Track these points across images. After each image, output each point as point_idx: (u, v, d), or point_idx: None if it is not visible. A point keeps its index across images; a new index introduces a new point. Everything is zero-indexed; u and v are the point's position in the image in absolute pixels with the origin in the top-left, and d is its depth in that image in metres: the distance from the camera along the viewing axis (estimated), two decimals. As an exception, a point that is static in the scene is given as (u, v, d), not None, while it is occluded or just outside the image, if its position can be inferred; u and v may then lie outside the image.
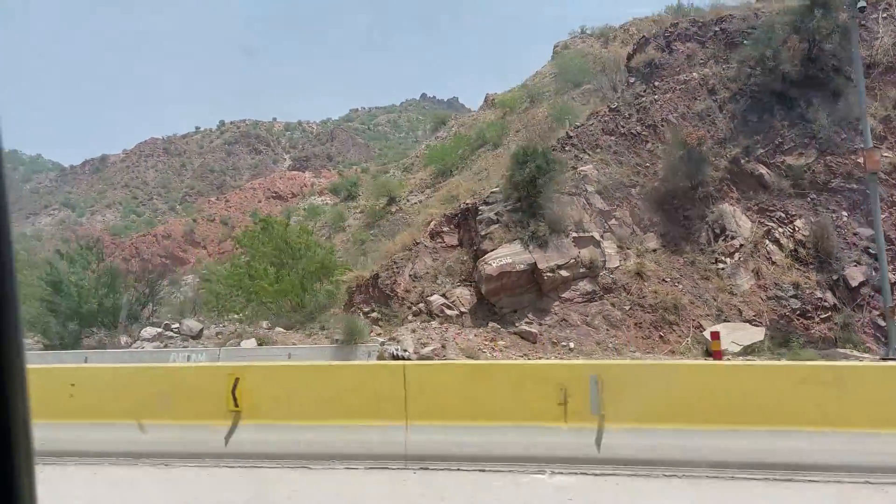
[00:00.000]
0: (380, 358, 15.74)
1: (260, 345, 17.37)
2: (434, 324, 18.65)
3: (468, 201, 22.73)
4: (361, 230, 66.99)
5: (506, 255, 19.46)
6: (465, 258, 21.79)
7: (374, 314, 20.71)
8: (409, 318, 19.75)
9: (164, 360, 16.10)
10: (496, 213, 20.89)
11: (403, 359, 15.66)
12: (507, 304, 19.57)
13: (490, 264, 19.30)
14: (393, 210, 69.01)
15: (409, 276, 21.17)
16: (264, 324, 21.91)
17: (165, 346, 17.97)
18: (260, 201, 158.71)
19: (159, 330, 19.25)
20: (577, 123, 24.98)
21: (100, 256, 21.05)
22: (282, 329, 21.71)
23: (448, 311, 19.46)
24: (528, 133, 69.37)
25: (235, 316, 24.55)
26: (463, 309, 19.68)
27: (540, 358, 17.39)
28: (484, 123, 73.86)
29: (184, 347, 17.45)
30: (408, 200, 70.79)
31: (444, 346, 16.38)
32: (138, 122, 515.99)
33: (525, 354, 17.72)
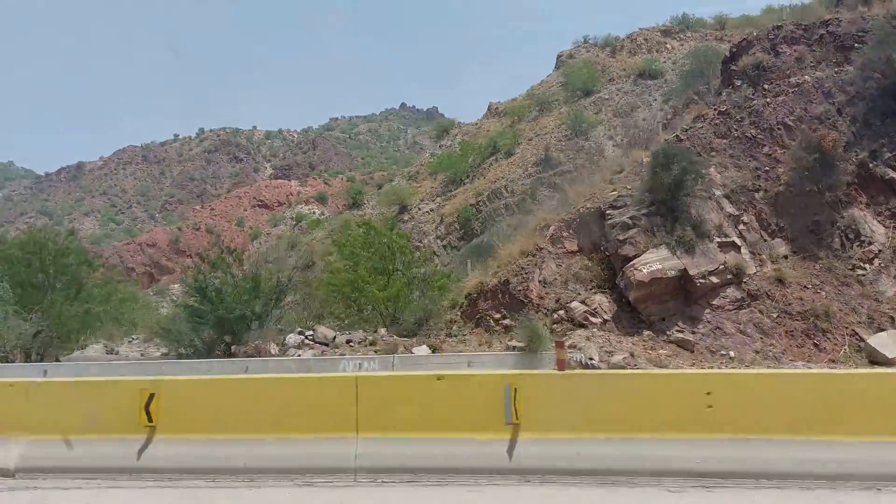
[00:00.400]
0: (568, 367, 14.77)
1: (434, 352, 16.34)
2: (595, 331, 17.75)
3: (587, 205, 21.89)
4: (374, 238, 65.64)
5: (655, 261, 18.64)
6: (589, 263, 20.96)
7: (507, 321, 19.75)
8: (551, 325, 18.83)
9: (334, 369, 15.01)
10: (631, 218, 20.07)
11: (592, 367, 14.76)
12: (655, 311, 18.74)
13: (640, 270, 18.47)
14: (405, 218, 68.22)
15: (539, 282, 20.26)
16: (382, 331, 20.83)
17: (322, 354, 16.83)
18: (245, 209, 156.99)
19: (301, 337, 18.08)
20: (685, 126, 24.29)
21: (239, 261, 19.82)
22: (396, 336, 20.67)
23: (592, 319, 18.58)
24: (542, 141, 69.10)
25: (336, 322, 23.39)
26: (605, 316, 18.81)
27: (711, 367, 16.58)
28: (493, 132, 73.33)
29: (340, 355, 16.31)
30: (419, 209, 70.06)
31: (633, 356, 15.50)
32: (114, 129, 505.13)
33: (693, 363, 16.90)
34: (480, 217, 61.39)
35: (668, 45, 77.50)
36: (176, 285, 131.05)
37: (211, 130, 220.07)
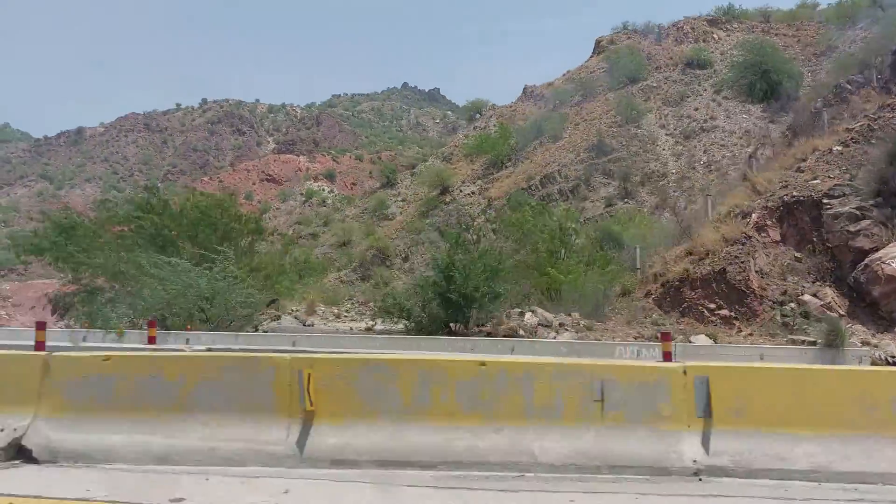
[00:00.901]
0: (873, 364, 13.61)
1: (715, 342, 15.07)
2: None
3: (794, 193, 20.62)
4: (415, 219, 64.52)
5: (902, 255, 17.47)
6: (798, 255, 19.77)
7: (724, 311, 18.52)
8: (781, 318, 17.62)
9: (608, 354, 13.71)
10: (858, 208, 18.85)
11: (903, 368, 13.55)
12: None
13: (889, 264, 17.28)
14: (447, 200, 66.79)
15: (755, 272, 19.02)
16: (575, 315, 19.52)
17: (581, 338, 15.49)
18: (254, 183, 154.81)
19: (536, 318, 16.75)
20: (871, 115, 23.06)
21: (478, 236, 18.35)
22: (584, 321, 19.38)
23: (829, 313, 17.38)
24: (591, 126, 67.69)
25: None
26: (840, 311, 17.63)
27: None
28: (537, 115, 71.65)
29: (595, 340, 14.99)
30: (460, 191, 68.55)
31: (938, 355, 14.34)
32: (115, 95, 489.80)
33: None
34: (533, 201, 60.04)
35: (714, 35, 76.41)
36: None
37: (214, 101, 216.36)
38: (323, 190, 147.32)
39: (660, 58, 73.89)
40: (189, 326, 15.62)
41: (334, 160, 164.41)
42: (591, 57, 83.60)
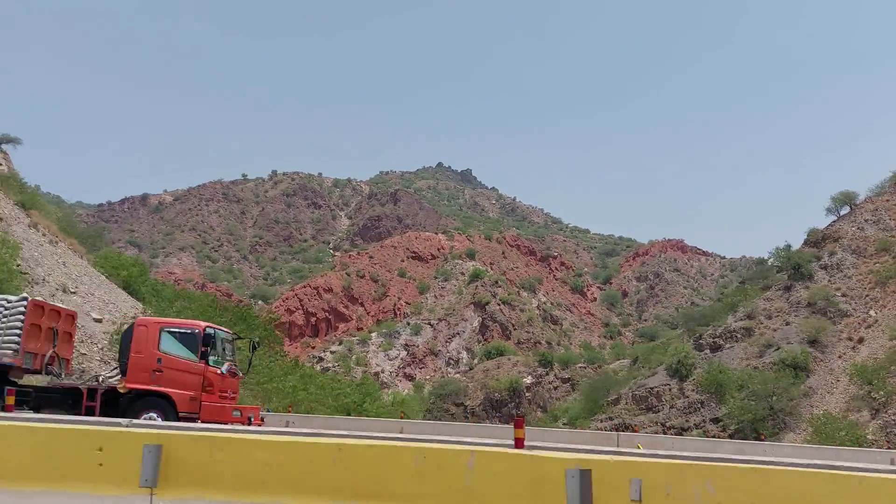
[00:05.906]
0: None
1: None
2: None
3: None
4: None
5: None
6: None
7: None
8: None
9: None
10: None
11: None
12: None
13: None
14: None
15: None
16: None
17: None
18: (403, 260, 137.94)
19: None
20: None
21: None
22: None
23: None
24: None
25: None
26: None
27: None
28: None
29: None
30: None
31: None
32: (180, 163, 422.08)
33: None
34: None
35: None
36: (374, 334, 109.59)
37: (284, 174, 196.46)
38: (478, 267, 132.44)
39: None
40: None
41: (469, 239, 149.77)
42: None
